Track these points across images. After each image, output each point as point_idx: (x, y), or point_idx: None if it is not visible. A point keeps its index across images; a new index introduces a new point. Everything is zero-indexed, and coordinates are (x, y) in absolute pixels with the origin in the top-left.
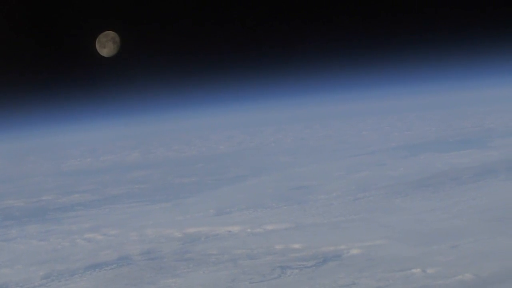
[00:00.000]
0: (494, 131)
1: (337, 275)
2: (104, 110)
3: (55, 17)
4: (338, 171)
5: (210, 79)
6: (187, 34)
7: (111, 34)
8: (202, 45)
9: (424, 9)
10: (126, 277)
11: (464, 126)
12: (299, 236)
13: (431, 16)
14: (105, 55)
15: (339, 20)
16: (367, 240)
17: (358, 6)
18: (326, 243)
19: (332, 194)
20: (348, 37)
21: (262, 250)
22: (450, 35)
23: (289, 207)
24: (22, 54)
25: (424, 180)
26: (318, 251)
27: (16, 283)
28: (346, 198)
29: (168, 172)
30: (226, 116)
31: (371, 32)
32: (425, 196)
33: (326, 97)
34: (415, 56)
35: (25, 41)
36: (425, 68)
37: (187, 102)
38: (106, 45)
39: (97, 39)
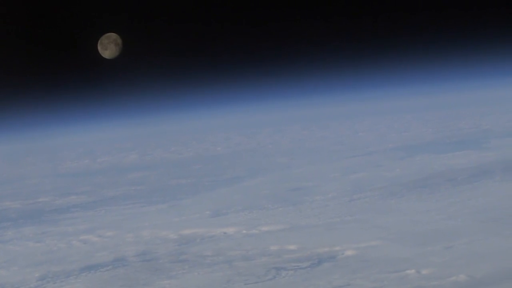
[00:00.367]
0: (490, 132)
1: (331, 276)
2: (104, 112)
3: (57, 19)
4: (334, 172)
5: (208, 81)
6: (186, 36)
7: (113, 36)
8: (200, 47)
9: (421, 11)
10: (121, 279)
11: (460, 127)
12: (294, 237)
13: (428, 18)
14: (107, 57)
15: (335, 23)
16: (362, 241)
17: (353, 8)
18: (321, 244)
19: (328, 195)
20: (345, 39)
21: (257, 251)
22: (447, 36)
23: (284, 208)
24: (24, 55)
25: (420, 181)
26: (313, 252)
27: (11, 285)
28: (341, 199)
29: (164, 173)
30: (224, 118)
31: (368, 34)
32: (420, 197)
33: (323, 99)
34: (412, 57)
35: (27, 43)
36: (423, 69)
37: (184, 104)
38: (108, 47)
39: (99, 41)
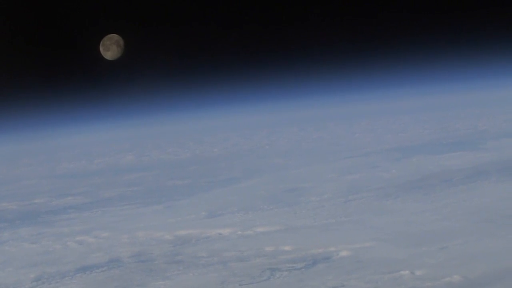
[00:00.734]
0: (487, 133)
1: (326, 277)
2: (103, 113)
3: (60, 20)
4: (330, 173)
5: (206, 82)
6: (186, 38)
7: (115, 37)
8: (199, 49)
9: (417, 13)
10: (116, 279)
11: (457, 128)
12: (289, 238)
13: (424, 20)
14: (109, 58)
15: (332, 26)
16: (356, 242)
17: (349, 11)
18: (316, 245)
19: (323, 196)
20: (341, 40)
21: (252, 252)
22: (444, 38)
23: (280, 209)
24: (26, 56)
25: (416, 182)
26: (308, 253)
27: (6, 286)
28: (337, 200)
29: (161, 174)
30: (221, 119)
31: (364, 35)
32: (416, 198)
33: (320, 100)
34: (409, 58)
35: (29, 44)
36: (420, 71)
37: (182, 105)
38: (110, 48)
39: (101, 42)
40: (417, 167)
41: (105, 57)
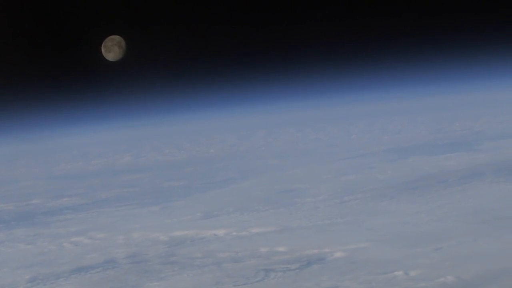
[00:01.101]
0: (483, 134)
1: (320, 278)
2: (103, 114)
3: (61, 21)
4: (326, 174)
5: (203, 83)
6: (186, 39)
7: (116, 38)
8: (199, 50)
9: (412, 14)
10: (111, 280)
11: (453, 129)
12: (284, 239)
13: (420, 21)
14: (110, 60)
15: (328, 27)
16: (351, 243)
17: (345, 12)
18: (310, 246)
19: (319, 197)
20: (338, 42)
21: (247, 253)
22: (440, 39)
23: (275, 210)
24: (27, 57)
25: (411, 183)
26: (302, 254)
27: (2, 287)
28: (332, 201)
29: (158, 175)
30: (218, 120)
31: (361, 37)
32: (411, 199)
33: (317, 101)
34: (405, 59)
35: (30, 45)
36: (417, 72)
37: (179, 106)
38: (112, 49)
39: (103, 44)
40: (413, 168)
41: (107, 58)
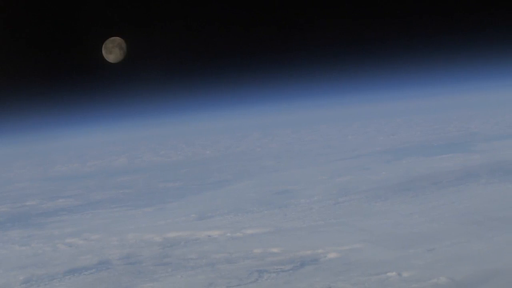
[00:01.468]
0: (478, 135)
1: (313, 278)
2: (103, 116)
3: (62, 22)
4: (321, 175)
5: (199, 85)
6: (187, 40)
7: (117, 40)
8: (198, 51)
9: (408, 16)
10: (104, 282)
11: (449, 130)
12: (278, 240)
13: (416, 23)
14: (111, 61)
15: (324, 27)
16: (344, 244)
17: (342, 13)
18: (304, 247)
19: (313, 198)
20: (333, 43)
21: (241, 254)
22: (436, 41)
23: (270, 212)
24: (27, 58)
25: (405, 184)
26: (296, 255)
27: None
28: (326, 202)
29: (153, 177)
30: (214, 121)
31: (354, 38)
32: (405, 200)
33: (313, 102)
34: (401, 62)
35: (30, 46)
36: (412, 73)
37: (176, 107)
38: (113, 51)
39: (103, 45)
40: (407, 169)
41: (108, 60)
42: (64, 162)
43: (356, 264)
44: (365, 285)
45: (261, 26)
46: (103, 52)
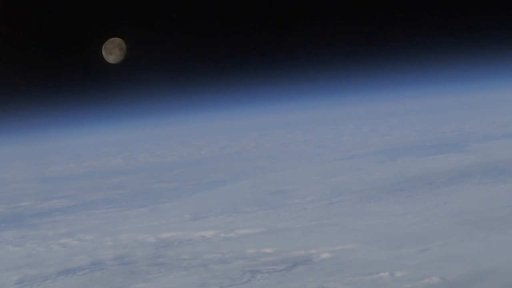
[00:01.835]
0: (473, 135)
1: (306, 279)
2: (102, 116)
3: (61, 23)
4: (315, 175)
5: (195, 84)
6: (188, 41)
7: (117, 40)
8: (199, 52)
9: (404, 17)
10: (97, 282)
11: (443, 130)
12: (271, 240)
13: (411, 24)
14: (111, 62)
15: (319, 29)
16: (338, 244)
17: (337, 14)
18: (297, 247)
19: (307, 199)
20: (329, 43)
21: (234, 255)
22: (430, 41)
23: (263, 212)
24: (26, 59)
25: (399, 184)
26: (289, 255)
27: None
28: (320, 202)
29: (148, 177)
30: (210, 122)
31: (349, 39)
32: (398, 200)
33: (308, 103)
34: (396, 62)
35: (30, 47)
36: (407, 74)
37: (172, 108)
38: (113, 51)
39: (103, 46)
40: (402, 169)
41: (108, 60)
42: (60, 163)
43: (348, 264)
44: (358, 285)
45: (255, 28)
46: (103, 52)
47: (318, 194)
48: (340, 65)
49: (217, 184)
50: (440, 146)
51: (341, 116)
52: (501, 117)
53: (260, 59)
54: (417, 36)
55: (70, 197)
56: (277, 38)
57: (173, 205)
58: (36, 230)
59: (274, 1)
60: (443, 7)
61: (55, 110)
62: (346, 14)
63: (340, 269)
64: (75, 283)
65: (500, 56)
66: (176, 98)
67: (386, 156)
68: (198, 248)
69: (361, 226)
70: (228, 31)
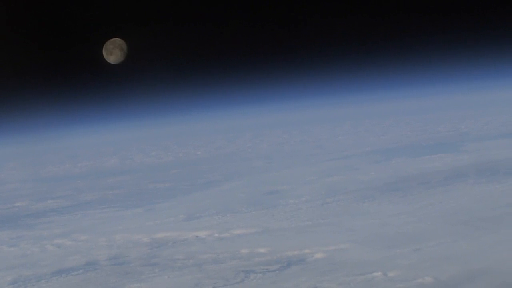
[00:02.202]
0: (468, 135)
1: (299, 279)
2: (101, 116)
3: (62, 24)
4: (310, 175)
5: (192, 85)
6: (188, 41)
7: (118, 41)
8: (199, 52)
9: (399, 18)
10: (91, 282)
11: (438, 130)
12: (265, 240)
13: (409, 24)
14: (112, 62)
15: (317, 29)
16: (331, 244)
17: (335, 14)
18: (291, 248)
19: (301, 199)
20: (327, 44)
21: (228, 255)
22: (426, 41)
23: (258, 212)
24: (27, 59)
25: (393, 184)
26: (282, 255)
27: None
28: (315, 202)
29: (143, 177)
30: (206, 122)
31: (346, 40)
32: (392, 200)
33: (303, 103)
34: (392, 62)
35: (31, 47)
36: (403, 74)
37: (169, 109)
38: (113, 52)
39: (104, 47)
40: (396, 169)
41: (108, 61)
42: (56, 163)
43: (342, 264)
44: (351, 285)
45: (250, 31)
46: (104, 53)
47: (313, 194)
48: (335, 66)
49: (212, 184)
50: (435, 146)
51: (337, 116)
52: (496, 117)
53: (255, 61)
54: (413, 37)
55: (65, 197)
56: (273, 40)
57: (168, 205)
58: (31, 230)
59: (269, 4)
60: (438, 9)
61: (55, 110)
62: (341, 16)
63: (334, 269)
64: (69, 283)
65: (495, 57)
66: (174, 98)
67: (381, 156)
68: (192, 248)
69: (355, 226)
70: (224, 33)
